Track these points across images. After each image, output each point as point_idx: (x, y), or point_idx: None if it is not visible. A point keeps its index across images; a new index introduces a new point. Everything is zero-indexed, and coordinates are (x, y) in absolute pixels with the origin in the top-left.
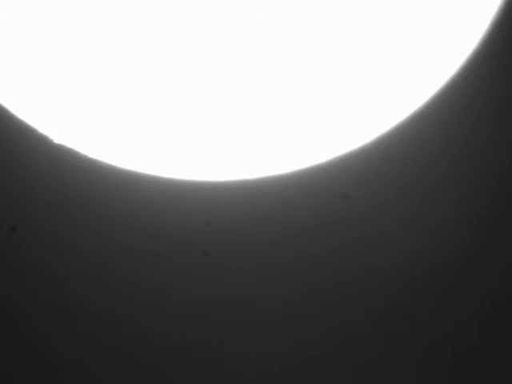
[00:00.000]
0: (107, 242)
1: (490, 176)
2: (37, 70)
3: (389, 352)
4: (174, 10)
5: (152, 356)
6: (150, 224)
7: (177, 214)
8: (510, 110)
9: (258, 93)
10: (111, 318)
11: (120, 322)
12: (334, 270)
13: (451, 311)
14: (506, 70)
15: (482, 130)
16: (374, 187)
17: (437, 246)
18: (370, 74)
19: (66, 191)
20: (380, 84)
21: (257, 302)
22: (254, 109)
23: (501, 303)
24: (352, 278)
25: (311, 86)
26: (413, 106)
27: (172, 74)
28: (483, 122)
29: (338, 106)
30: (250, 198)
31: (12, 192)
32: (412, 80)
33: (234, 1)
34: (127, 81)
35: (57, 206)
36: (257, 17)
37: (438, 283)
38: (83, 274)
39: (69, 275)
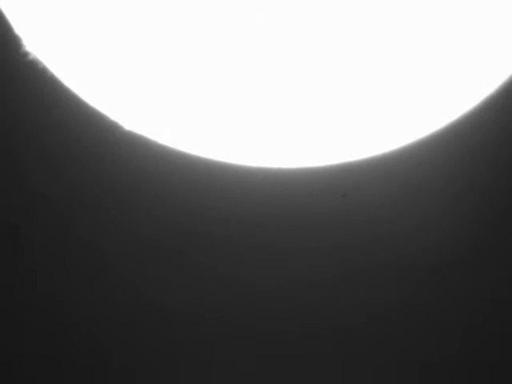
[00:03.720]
0: (174, 228)
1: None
2: (107, 58)
3: (389, 350)
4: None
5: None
6: (218, 210)
7: (242, 200)
8: None
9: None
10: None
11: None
12: (340, 263)
13: (451, 311)
14: None
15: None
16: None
17: (439, 247)
18: (382, 81)
19: (135, 178)
20: (408, 94)
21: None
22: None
23: (502, 303)
24: (356, 270)
25: (325, 89)
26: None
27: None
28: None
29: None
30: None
31: (81, 177)
32: (445, 94)
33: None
34: (196, 69)
35: (127, 193)
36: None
37: (439, 283)
38: (148, 261)
39: (134, 261)
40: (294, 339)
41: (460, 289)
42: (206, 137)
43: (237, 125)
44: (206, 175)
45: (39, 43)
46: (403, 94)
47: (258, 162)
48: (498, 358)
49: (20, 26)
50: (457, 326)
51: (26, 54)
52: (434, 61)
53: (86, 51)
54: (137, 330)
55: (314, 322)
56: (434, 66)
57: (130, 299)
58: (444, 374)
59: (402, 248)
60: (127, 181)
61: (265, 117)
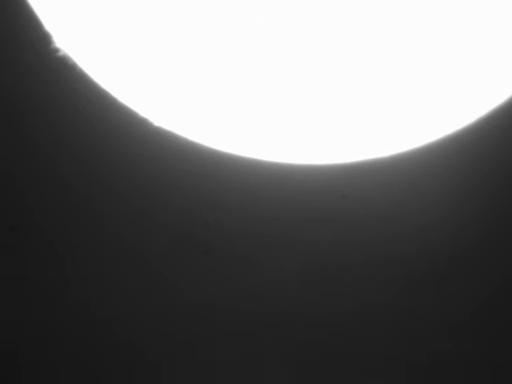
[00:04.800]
0: (203, 223)
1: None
2: (136, 55)
3: (385, 347)
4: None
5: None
6: (247, 205)
7: (272, 197)
8: None
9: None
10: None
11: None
12: (340, 259)
13: (448, 310)
14: None
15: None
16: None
17: (438, 248)
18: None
19: (165, 173)
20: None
21: None
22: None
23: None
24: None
25: (332, 89)
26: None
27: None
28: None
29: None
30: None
31: (110, 174)
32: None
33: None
34: (224, 65)
35: (156, 188)
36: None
37: (437, 282)
38: (178, 253)
39: (161, 254)
40: (294, 334)
41: (458, 289)
42: (235, 133)
43: (259, 122)
44: (235, 171)
45: (69, 40)
46: (413, 99)
47: (282, 158)
48: (497, 357)
49: (50, 23)
50: (453, 326)
51: (56, 50)
52: (446, 64)
53: (115, 48)
54: (153, 331)
55: (312, 318)
56: (448, 69)
57: (145, 297)
58: (442, 374)
59: (402, 247)
60: (156, 177)
61: (276, 114)
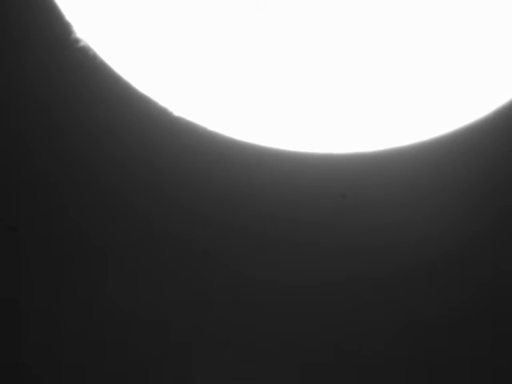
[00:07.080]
0: (230, 213)
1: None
2: (156, 45)
3: (381, 345)
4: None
5: None
6: (269, 194)
7: (291, 186)
8: None
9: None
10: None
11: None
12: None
13: (446, 308)
14: None
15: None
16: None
17: (434, 244)
18: (376, 83)
19: (185, 163)
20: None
21: None
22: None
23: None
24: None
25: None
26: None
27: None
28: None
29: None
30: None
31: (131, 163)
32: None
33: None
34: (243, 55)
35: (178, 179)
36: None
37: (434, 280)
38: (204, 240)
39: (191, 240)
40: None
41: (457, 286)
42: (255, 123)
43: (276, 111)
44: (253, 160)
45: (90, 30)
46: (414, 96)
47: (301, 147)
48: (497, 356)
49: (70, 13)
50: (452, 324)
51: (77, 40)
52: (453, 60)
53: (136, 38)
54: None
55: (310, 315)
56: (454, 65)
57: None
58: (440, 373)
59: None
60: (176, 166)
61: (291, 105)
